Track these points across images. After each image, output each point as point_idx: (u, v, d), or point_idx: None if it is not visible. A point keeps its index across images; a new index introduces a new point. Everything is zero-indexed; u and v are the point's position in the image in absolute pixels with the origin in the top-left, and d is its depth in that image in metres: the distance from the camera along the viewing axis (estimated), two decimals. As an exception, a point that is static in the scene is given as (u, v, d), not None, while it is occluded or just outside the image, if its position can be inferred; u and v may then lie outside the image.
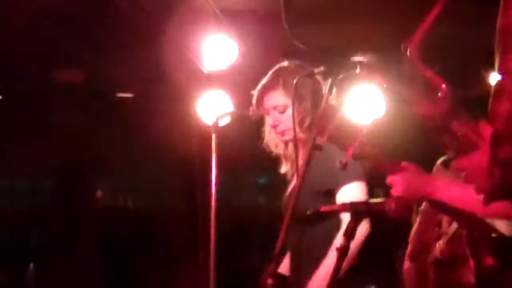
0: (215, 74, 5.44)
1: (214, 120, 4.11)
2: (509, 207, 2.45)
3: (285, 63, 3.75)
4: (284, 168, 3.88)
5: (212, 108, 4.41)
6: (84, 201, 9.96)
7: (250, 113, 3.93)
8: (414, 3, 5.71)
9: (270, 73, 3.76)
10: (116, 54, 6.91)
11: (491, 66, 1.75)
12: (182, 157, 9.17)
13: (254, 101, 3.78)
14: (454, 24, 6.05)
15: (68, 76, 7.79)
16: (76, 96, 8.57)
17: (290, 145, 3.75)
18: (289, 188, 3.83)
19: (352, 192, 3.51)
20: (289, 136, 3.68)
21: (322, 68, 3.11)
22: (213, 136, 4.07)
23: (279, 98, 3.66)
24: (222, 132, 4.14)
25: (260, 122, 3.97)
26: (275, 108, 3.69)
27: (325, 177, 3.51)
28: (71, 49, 6.79)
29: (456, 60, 6.81)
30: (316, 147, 3.50)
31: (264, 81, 3.74)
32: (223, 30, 5.22)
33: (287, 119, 3.63)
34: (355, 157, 2.67)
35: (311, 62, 3.63)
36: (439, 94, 1.85)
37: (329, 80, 2.96)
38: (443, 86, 1.86)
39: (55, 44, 6.54)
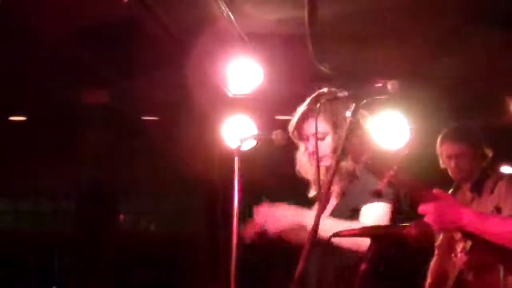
0: (239, 97, 5.46)
1: (238, 143, 4.10)
2: None
3: (325, 89, 3.73)
4: (312, 193, 3.87)
5: (236, 132, 4.40)
6: (107, 224, 9.98)
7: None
8: (440, 30, 5.71)
9: (309, 99, 3.74)
10: (142, 77, 6.94)
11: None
12: (205, 181, 9.17)
13: (292, 127, 3.77)
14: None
15: (93, 98, 7.83)
16: (101, 118, 8.61)
17: (322, 172, 3.74)
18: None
19: (374, 211, 3.49)
20: (326, 162, 3.68)
21: (345, 93, 3.10)
22: (236, 159, 4.06)
23: (320, 125, 3.64)
24: (246, 156, 4.13)
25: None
26: (314, 135, 3.68)
27: (358, 196, 3.50)
28: (97, 72, 6.83)
29: (476, 89, 6.80)
30: (351, 175, 3.52)
31: (303, 107, 3.73)
32: (248, 54, 5.23)
33: (325, 146, 3.66)
34: (390, 184, 2.65)
35: (336, 86, 3.62)
36: None
37: (353, 105, 2.95)
38: None
39: (81, 67, 6.58)
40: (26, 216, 12.75)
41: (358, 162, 2.70)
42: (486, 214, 2.80)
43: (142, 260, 11.17)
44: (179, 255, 10.91)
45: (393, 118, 3.66)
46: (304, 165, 3.82)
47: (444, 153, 5.04)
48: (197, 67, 5.84)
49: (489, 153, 5.04)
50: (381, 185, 2.66)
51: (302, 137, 3.78)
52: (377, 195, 2.70)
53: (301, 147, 3.83)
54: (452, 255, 4.83)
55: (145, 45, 6.08)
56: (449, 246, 4.84)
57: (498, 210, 4.68)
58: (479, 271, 4.61)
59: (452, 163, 5.01)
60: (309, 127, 3.71)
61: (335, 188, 3.66)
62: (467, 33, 5.73)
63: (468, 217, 2.58)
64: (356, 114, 2.96)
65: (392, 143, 3.52)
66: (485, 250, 3.01)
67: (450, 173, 5.05)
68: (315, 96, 3.71)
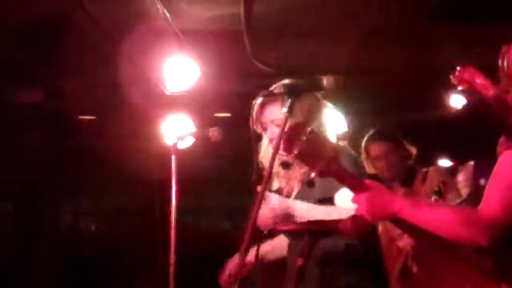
0: (177, 95, 5.41)
1: (174, 141, 4.06)
2: (477, 232, 2.44)
3: (286, 81, 3.67)
4: (276, 185, 3.82)
5: (174, 130, 4.37)
6: (45, 224, 9.86)
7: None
8: (376, 25, 5.75)
9: (270, 89, 3.68)
10: (78, 75, 6.86)
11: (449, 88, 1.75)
12: (143, 179, 9.11)
13: (252, 114, 3.70)
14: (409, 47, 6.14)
15: (28, 97, 7.71)
16: (37, 118, 8.49)
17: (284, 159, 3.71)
18: None
19: (348, 195, 3.44)
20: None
21: (281, 88, 3.09)
22: (173, 157, 4.03)
23: (278, 111, 3.61)
24: (184, 154, 4.10)
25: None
26: (272, 121, 3.65)
27: (326, 185, 3.42)
28: (31, 71, 6.73)
29: (413, 83, 6.88)
30: (284, 165, 3.50)
31: (262, 95, 3.68)
32: (184, 51, 5.20)
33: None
34: (321, 174, 2.62)
35: (272, 81, 3.61)
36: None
37: (289, 100, 2.93)
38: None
39: (14, 66, 6.47)
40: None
41: (290, 152, 2.66)
42: (419, 201, 2.80)
43: (82, 258, 11.07)
44: (118, 255, 10.83)
45: (328, 111, 3.67)
46: (266, 154, 3.74)
47: (371, 155, 5.14)
48: (132, 65, 5.79)
49: (413, 150, 5.15)
50: (313, 174, 2.64)
51: (264, 126, 3.73)
52: (309, 185, 2.69)
53: (264, 138, 3.78)
54: (398, 243, 4.88)
55: (80, 44, 6.01)
56: (391, 233, 4.88)
57: (439, 193, 4.75)
58: (422, 259, 4.67)
59: (382, 163, 5.11)
60: (269, 114, 3.68)
61: (298, 176, 3.63)
62: (405, 27, 5.79)
63: (400, 204, 2.57)
64: (292, 109, 2.94)
65: (329, 135, 3.55)
66: (424, 241, 3.02)
67: (379, 174, 5.12)
68: (276, 86, 3.64)
